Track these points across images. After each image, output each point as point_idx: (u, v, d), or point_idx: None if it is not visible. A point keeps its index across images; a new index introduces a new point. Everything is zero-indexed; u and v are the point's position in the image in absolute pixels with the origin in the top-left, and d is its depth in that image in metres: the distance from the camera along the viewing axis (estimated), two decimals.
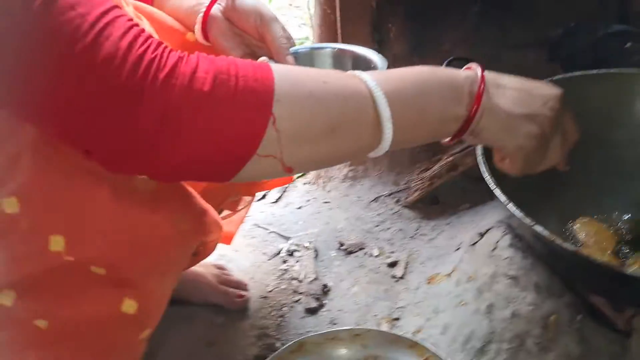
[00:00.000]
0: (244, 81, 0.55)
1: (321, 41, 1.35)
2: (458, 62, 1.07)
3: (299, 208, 1.41)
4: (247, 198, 1.12)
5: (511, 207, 0.83)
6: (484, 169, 0.88)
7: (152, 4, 0.91)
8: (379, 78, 0.63)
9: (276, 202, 1.45)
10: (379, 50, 1.32)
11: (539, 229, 0.80)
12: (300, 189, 1.48)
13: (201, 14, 0.85)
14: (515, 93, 0.71)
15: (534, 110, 0.71)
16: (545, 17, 1.34)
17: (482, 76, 0.68)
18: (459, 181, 1.31)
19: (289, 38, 0.86)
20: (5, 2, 0.50)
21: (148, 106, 0.51)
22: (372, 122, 0.62)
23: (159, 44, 0.54)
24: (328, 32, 1.34)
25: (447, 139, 0.71)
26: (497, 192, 0.85)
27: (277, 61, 0.82)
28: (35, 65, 0.51)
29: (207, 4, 0.85)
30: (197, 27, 0.85)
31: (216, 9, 0.85)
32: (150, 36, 0.54)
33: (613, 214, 1.04)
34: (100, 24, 0.51)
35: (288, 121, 0.56)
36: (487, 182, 0.87)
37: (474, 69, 0.69)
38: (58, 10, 0.50)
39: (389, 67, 1.37)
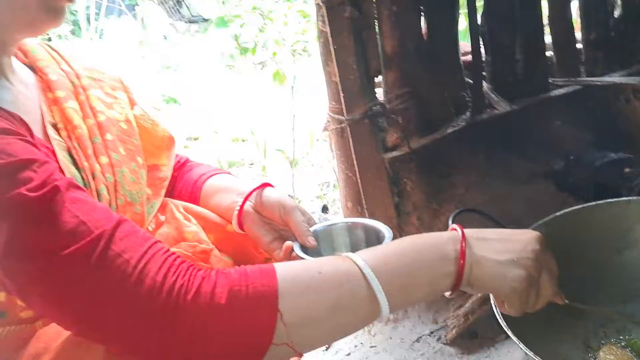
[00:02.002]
0: (253, 288, 0.70)
1: (346, 200, 1.52)
2: (465, 213, 1.21)
3: (348, 354, 1.50)
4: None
5: (522, 346, 0.91)
6: (496, 311, 0.97)
7: (197, 204, 1.10)
8: (368, 256, 0.77)
9: (327, 349, 1.55)
10: (400, 201, 1.47)
11: None
12: None
13: (236, 211, 1.03)
14: (498, 243, 0.82)
15: (518, 255, 0.81)
16: (547, 151, 1.47)
17: (463, 234, 0.80)
18: (493, 313, 1.38)
19: (309, 219, 1.03)
20: (70, 257, 0.69)
21: (181, 322, 0.68)
22: (367, 296, 0.74)
23: (188, 268, 0.71)
24: (352, 191, 1.51)
25: (448, 293, 0.82)
26: (509, 332, 0.94)
27: (300, 242, 0.98)
28: (92, 298, 0.69)
29: (240, 203, 1.03)
30: (234, 222, 1.04)
31: (248, 205, 1.03)
32: (180, 263, 0.71)
33: (634, 336, 1.09)
34: (141, 265, 0.69)
35: (292, 314, 0.71)
36: (501, 323, 0.96)
37: (455, 229, 0.82)
38: (110, 260, 0.68)
39: (410, 215, 1.51)
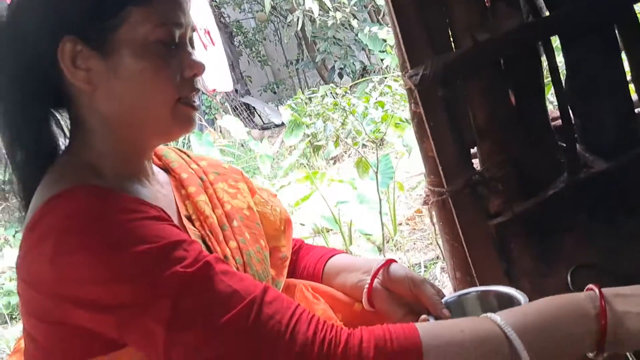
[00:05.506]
0: (397, 342, 0.76)
1: (455, 270, 1.56)
2: (581, 269, 1.22)
3: None
4: None
5: None
6: None
7: (321, 282, 1.18)
8: (508, 316, 0.80)
9: None
10: (508, 266, 1.49)
11: None
12: None
13: (366, 289, 1.09)
14: (638, 298, 0.81)
15: None
16: None
17: (600, 292, 0.81)
18: None
19: (439, 292, 1.07)
20: (229, 322, 0.76)
21: None
22: (509, 355, 0.76)
23: (332, 325, 0.78)
24: (459, 261, 1.54)
25: (592, 354, 0.82)
26: None
27: (434, 315, 1.02)
28: (252, 358, 0.76)
29: (369, 280, 1.09)
30: (364, 300, 1.09)
31: (376, 282, 1.09)
32: (325, 321, 0.78)
33: None
34: (292, 324, 0.76)
35: None
36: None
37: (592, 288, 0.83)
38: (264, 321, 0.76)
39: (520, 280, 1.53)
